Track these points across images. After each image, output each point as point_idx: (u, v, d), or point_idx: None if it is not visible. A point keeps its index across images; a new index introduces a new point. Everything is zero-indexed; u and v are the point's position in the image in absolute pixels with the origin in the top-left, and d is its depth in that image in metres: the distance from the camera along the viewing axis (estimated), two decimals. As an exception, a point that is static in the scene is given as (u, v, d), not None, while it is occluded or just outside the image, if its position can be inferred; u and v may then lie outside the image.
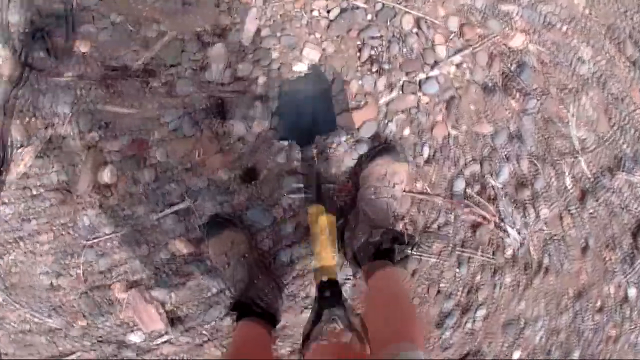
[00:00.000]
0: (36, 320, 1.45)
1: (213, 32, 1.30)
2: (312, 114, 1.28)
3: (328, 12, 1.32)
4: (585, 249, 1.48)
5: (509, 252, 1.40)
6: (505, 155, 1.39)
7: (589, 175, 1.46)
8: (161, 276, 1.42)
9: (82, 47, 1.39)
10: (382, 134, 1.31)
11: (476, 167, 1.37)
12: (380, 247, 1.14)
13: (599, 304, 1.52)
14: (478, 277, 1.41)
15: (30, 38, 1.39)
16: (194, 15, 1.32)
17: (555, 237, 1.45)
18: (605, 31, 1.45)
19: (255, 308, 1.14)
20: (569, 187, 1.46)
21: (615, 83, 1.41)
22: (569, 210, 1.44)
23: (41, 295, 1.44)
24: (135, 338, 1.43)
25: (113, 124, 1.37)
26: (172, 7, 1.32)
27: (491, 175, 1.38)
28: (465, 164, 1.36)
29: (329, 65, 1.31)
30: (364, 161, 1.28)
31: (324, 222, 1.07)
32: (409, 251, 1.24)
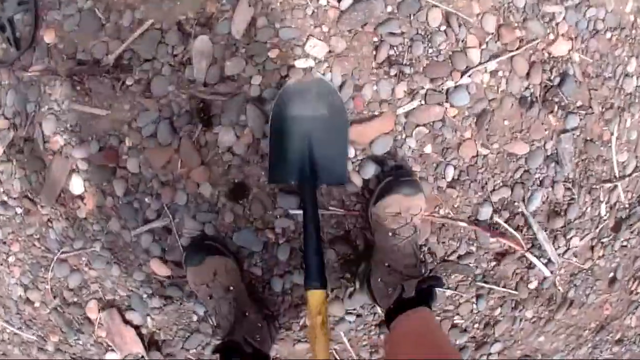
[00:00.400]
0: (8, 330, 1.18)
1: (197, 21, 0.98)
2: (315, 150, 0.96)
3: (339, 0, 0.96)
4: (613, 281, 1.20)
5: (533, 285, 1.12)
6: (540, 180, 1.06)
7: (626, 204, 1.14)
8: (137, 299, 1.12)
9: (47, 37, 1.04)
10: (399, 151, 1.00)
11: (506, 193, 1.05)
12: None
13: (618, 335, 1.25)
14: (497, 311, 1.13)
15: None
16: (176, 1, 0.98)
17: (583, 269, 1.15)
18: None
19: (245, 347, 0.86)
20: (604, 216, 1.13)
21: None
22: (601, 241, 1.16)
23: (13, 307, 1.16)
24: (112, 358, 1.15)
25: (80, 127, 1.06)
26: None
27: (522, 201, 1.06)
28: (494, 189, 1.05)
29: (338, 65, 0.98)
30: (372, 197, 0.98)
31: (321, 311, 0.81)
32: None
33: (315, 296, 0.81)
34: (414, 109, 0.95)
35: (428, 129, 0.97)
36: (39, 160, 1.07)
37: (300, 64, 0.92)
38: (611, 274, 1.16)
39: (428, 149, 0.97)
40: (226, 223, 0.99)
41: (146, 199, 1.00)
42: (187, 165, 0.97)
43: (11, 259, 1.16)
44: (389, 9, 0.95)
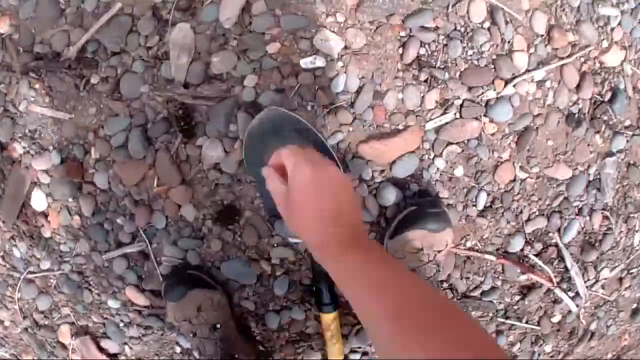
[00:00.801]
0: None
1: (176, 5, 0.69)
2: None
3: None
4: (635, 312, 0.94)
5: (556, 319, 0.87)
6: (578, 208, 0.79)
7: None
8: (113, 327, 0.85)
9: (1, 26, 0.74)
10: (425, 173, 0.72)
11: (542, 223, 0.78)
12: None
13: (633, 365, 1.03)
14: (516, 347, 0.87)
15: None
16: None
17: (608, 300, 0.89)
18: None
19: None
20: (636, 246, 0.86)
21: None
22: (630, 272, 0.88)
23: (-17, 323, 0.92)
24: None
25: (40, 133, 0.78)
26: None
27: (558, 232, 0.79)
28: (529, 218, 0.78)
29: (355, 65, 0.69)
30: (390, 228, 0.70)
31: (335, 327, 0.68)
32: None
33: (326, 318, 0.71)
34: (446, 123, 0.65)
35: (461, 147, 0.68)
36: (-4, 170, 0.75)
37: (306, 63, 0.61)
38: (634, 305, 0.90)
39: (459, 171, 0.68)
40: (213, 251, 0.70)
41: (118, 220, 0.70)
42: (165, 183, 0.66)
43: None
44: None
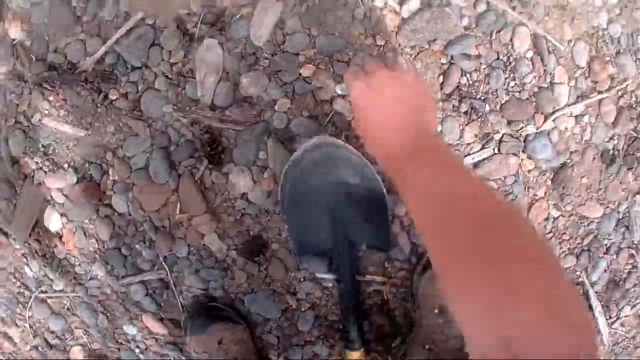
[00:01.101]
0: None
1: (203, 19, 0.63)
2: (348, 213, 0.61)
3: (401, 3, 0.61)
4: None
5: None
6: (606, 246, 0.75)
7: None
8: (128, 353, 0.80)
9: (12, 31, 0.69)
10: None
11: (571, 261, 0.74)
12: None
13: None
14: None
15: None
16: None
17: (626, 337, 0.84)
18: None
19: None
20: None
21: None
22: None
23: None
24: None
25: (54, 149, 0.74)
26: None
27: (585, 270, 0.74)
28: (559, 257, 0.73)
29: None
30: (420, 265, 0.66)
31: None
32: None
33: (352, 356, 0.66)
34: (484, 158, 0.60)
35: (498, 184, 0.62)
36: (8, 185, 0.72)
37: (342, 88, 0.55)
38: (648, 341, 0.85)
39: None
40: (236, 283, 0.65)
41: (137, 246, 0.66)
42: (188, 210, 0.62)
43: None
44: (465, 21, 0.58)
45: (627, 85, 0.69)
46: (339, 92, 0.59)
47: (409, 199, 0.43)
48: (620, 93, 0.69)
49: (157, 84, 0.62)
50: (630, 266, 0.78)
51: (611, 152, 0.71)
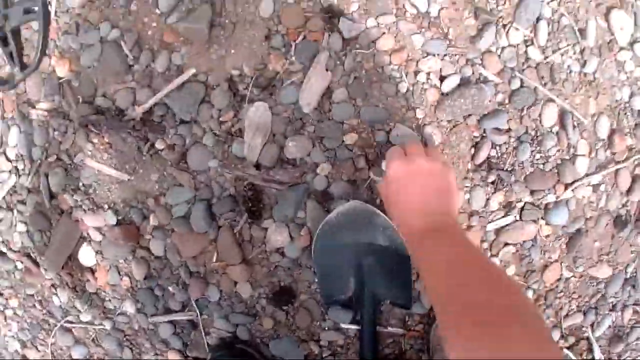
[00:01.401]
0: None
1: (255, 81, 0.67)
2: (374, 272, 0.65)
3: (442, 79, 0.66)
4: None
5: None
6: (612, 304, 0.80)
7: None
8: None
9: (59, 69, 0.71)
10: None
11: (579, 318, 0.78)
12: None
13: None
14: None
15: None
16: (228, 48, 0.67)
17: None
18: None
19: None
20: None
21: None
22: None
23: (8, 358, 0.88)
24: None
25: (95, 189, 0.79)
26: (198, 30, 0.65)
27: (591, 326, 0.79)
28: (568, 314, 0.78)
29: None
30: (435, 322, 0.72)
31: None
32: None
33: None
34: (507, 225, 0.64)
35: (516, 248, 0.67)
36: (44, 218, 0.74)
37: (375, 172, 0.59)
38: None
39: (510, 270, 0.69)
40: (264, 329, 0.68)
41: (170, 288, 0.69)
42: (224, 259, 0.65)
43: (9, 312, 0.87)
44: (500, 97, 0.61)
45: None
46: (372, 176, 0.64)
47: (425, 276, 0.47)
48: (636, 162, 0.73)
49: (205, 139, 0.65)
50: (634, 321, 0.83)
51: (624, 217, 0.75)
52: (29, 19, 0.70)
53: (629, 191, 0.74)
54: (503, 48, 0.65)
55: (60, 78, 0.71)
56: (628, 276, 0.79)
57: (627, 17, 0.72)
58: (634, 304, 0.82)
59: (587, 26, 0.69)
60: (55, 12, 0.70)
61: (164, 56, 0.66)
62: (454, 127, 0.65)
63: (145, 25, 0.66)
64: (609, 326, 0.81)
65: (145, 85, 0.68)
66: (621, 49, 0.72)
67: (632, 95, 0.72)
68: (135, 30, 0.67)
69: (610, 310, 0.80)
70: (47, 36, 0.71)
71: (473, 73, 0.64)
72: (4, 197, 0.79)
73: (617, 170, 0.72)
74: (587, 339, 0.80)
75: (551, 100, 0.68)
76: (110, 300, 0.76)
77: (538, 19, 0.67)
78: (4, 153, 0.78)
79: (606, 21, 0.70)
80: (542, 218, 0.70)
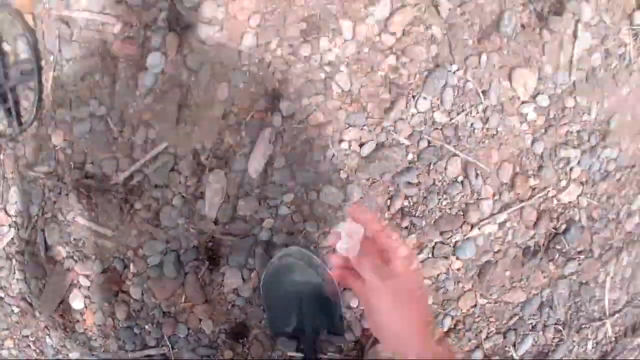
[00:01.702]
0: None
1: (213, 153, 0.85)
2: (312, 306, 0.78)
3: (361, 145, 0.82)
4: None
5: None
6: (532, 325, 0.91)
7: (612, 338, 0.98)
8: None
9: (55, 138, 0.86)
10: None
11: (499, 339, 0.90)
12: None
13: None
14: None
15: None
16: (193, 126, 0.84)
17: None
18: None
19: None
20: (590, 353, 0.97)
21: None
22: None
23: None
24: None
25: (84, 242, 0.95)
26: (168, 111, 0.81)
27: (513, 346, 0.91)
28: (488, 336, 0.90)
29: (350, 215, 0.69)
30: (369, 343, 0.83)
31: None
32: None
33: None
34: (421, 262, 0.77)
35: (431, 281, 0.80)
36: (40, 267, 0.87)
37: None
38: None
39: (429, 300, 0.79)
40: (225, 359, 0.79)
41: (147, 326, 0.82)
42: (191, 300, 0.78)
43: (4, 352, 0.96)
44: (410, 156, 0.77)
45: (547, 192, 0.88)
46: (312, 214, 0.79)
47: None
48: (541, 200, 0.87)
49: (174, 200, 0.81)
50: (557, 340, 0.95)
51: (532, 248, 0.88)
52: (26, 79, 0.85)
53: (535, 225, 0.87)
54: (413, 115, 0.82)
55: (55, 146, 0.87)
56: (545, 299, 0.91)
57: (530, 73, 0.87)
58: (555, 324, 0.93)
59: (490, 87, 0.85)
60: (51, 86, 0.86)
61: (142, 131, 0.83)
62: (372, 183, 0.81)
63: (127, 104, 0.83)
64: (532, 345, 0.92)
65: (127, 155, 0.84)
66: (523, 102, 0.86)
67: (534, 141, 0.86)
68: (119, 108, 0.83)
69: (531, 330, 0.92)
70: (41, 97, 0.85)
71: (387, 138, 0.81)
72: (3, 248, 0.93)
73: (522, 208, 0.86)
74: (512, 358, 0.92)
75: (455, 154, 0.83)
76: (96, 339, 0.89)
77: (444, 87, 0.83)
78: (4, 209, 0.92)
79: (509, 80, 0.86)
80: (452, 254, 0.84)
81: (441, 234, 0.83)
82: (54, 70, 0.86)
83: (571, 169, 0.90)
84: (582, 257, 0.93)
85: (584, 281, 0.93)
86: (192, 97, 0.82)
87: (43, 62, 0.86)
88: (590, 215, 0.93)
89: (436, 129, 0.83)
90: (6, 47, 0.89)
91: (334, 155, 0.80)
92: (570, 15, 0.90)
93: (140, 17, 0.83)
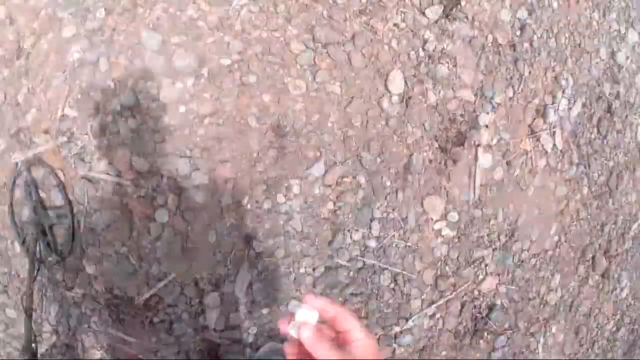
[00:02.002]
0: None
1: (209, 280, 1.02)
2: None
3: (314, 269, 1.14)
4: None
5: None
6: None
7: None
8: None
9: (89, 268, 1.14)
10: None
11: None
12: None
13: None
14: None
15: (39, 232, 1.10)
16: (192, 261, 1.01)
17: None
18: (577, 254, 1.25)
19: None
20: None
21: (585, 301, 1.26)
22: None
23: None
24: None
25: (114, 347, 1.09)
26: (174, 250, 1.10)
27: None
28: None
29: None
30: None
31: None
32: None
33: None
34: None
35: None
36: (79, 367, 1.15)
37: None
38: None
39: None
40: None
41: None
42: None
43: None
44: (351, 274, 1.10)
45: (467, 285, 1.19)
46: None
47: None
48: (463, 293, 1.19)
49: (183, 315, 1.12)
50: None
51: (462, 331, 1.21)
52: (60, 222, 1.13)
53: (460, 313, 1.19)
54: (349, 244, 1.15)
55: (89, 274, 1.16)
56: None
57: (439, 198, 1.20)
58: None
59: (408, 214, 1.18)
60: (82, 228, 1.14)
61: (156, 266, 1.12)
62: (325, 296, 1.14)
63: (143, 245, 1.12)
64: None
65: (145, 283, 1.14)
66: (436, 221, 1.20)
67: (449, 250, 1.21)
68: (136, 249, 1.12)
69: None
70: (74, 237, 1.13)
71: (333, 262, 1.14)
72: (46, 349, 1.21)
73: (446, 302, 1.20)
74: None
75: (385, 269, 1.16)
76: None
77: (371, 220, 1.16)
78: (47, 320, 1.20)
79: (422, 207, 1.20)
80: (394, 342, 1.17)
81: (383, 328, 1.16)
82: (84, 216, 1.14)
83: (486, 265, 1.22)
84: (509, 332, 1.21)
85: (516, 351, 1.23)
86: (190, 241, 1.12)
87: (75, 209, 1.14)
88: (512, 298, 1.23)
89: (368, 252, 1.16)
90: (42, 194, 1.16)
91: (295, 278, 1.14)
92: (471, 142, 1.22)
93: (148, 181, 1.12)
